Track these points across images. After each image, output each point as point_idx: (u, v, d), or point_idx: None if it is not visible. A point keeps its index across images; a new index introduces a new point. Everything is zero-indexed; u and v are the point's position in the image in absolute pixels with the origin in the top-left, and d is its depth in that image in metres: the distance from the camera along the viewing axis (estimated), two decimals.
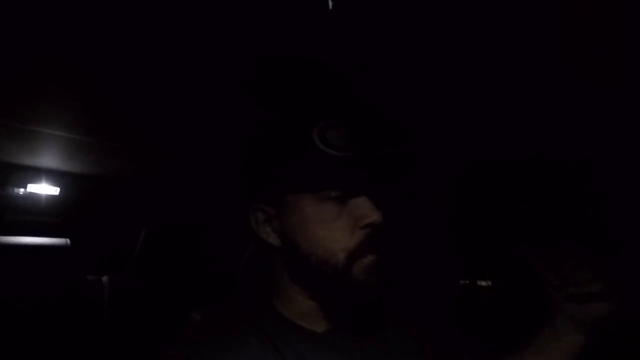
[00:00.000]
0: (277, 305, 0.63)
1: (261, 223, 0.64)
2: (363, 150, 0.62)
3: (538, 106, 0.74)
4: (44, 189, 1.70)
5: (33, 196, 1.73)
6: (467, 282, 2.31)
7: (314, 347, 0.59)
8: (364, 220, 0.58)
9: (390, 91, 0.81)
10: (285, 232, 0.61)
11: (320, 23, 0.60)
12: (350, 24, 0.59)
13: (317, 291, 0.62)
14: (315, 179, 0.59)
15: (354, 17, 0.57)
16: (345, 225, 0.59)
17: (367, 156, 0.62)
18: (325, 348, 0.59)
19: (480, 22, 0.54)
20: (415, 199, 1.35)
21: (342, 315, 0.63)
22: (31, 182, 1.65)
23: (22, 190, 1.69)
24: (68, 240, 1.89)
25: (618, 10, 0.46)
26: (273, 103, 0.92)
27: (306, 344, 0.59)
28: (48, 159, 1.48)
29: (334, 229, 0.58)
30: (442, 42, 0.59)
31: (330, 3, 0.55)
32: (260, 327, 0.60)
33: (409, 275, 0.76)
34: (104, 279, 1.90)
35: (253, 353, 0.57)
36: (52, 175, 1.63)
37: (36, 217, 1.88)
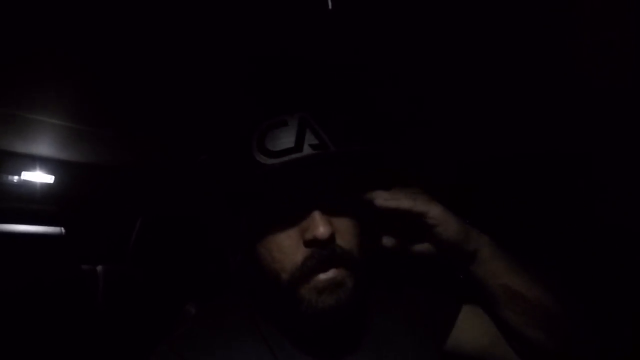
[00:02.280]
0: (267, 307, 0.61)
1: (235, 233, 0.61)
2: (314, 148, 0.53)
3: (540, 102, 0.74)
4: (39, 176, 1.68)
5: (27, 184, 1.72)
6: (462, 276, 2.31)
7: (307, 351, 0.58)
8: (306, 235, 0.51)
9: (386, 88, 0.80)
10: (247, 247, 0.58)
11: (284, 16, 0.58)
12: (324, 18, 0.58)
13: (279, 307, 0.58)
14: (254, 195, 0.53)
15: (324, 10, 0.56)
16: (286, 243, 0.52)
17: (317, 155, 0.53)
18: (318, 353, 0.58)
19: (484, 17, 0.53)
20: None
21: (311, 330, 0.59)
22: (25, 170, 1.64)
23: (16, 177, 1.67)
24: (62, 229, 1.88)
25: (625, 8, 0.45)
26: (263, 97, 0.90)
27: (298, 348, 0.58)
28: (43, 147, 1.47)
29: (275, 248, 0.52)
30: (446, 35, 0.59)
31: (330, 3, 0.54)
32: (254, 327, 0.59)
33: (401, 275, 0.72)
34: (99, 268, 1.89)
35: (247, 352, 0.56)
36: (47, 163, 1.62)
37: (30, 205, 1.86)
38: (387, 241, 0.59)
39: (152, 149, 1.50)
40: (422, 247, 0.60)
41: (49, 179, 1.71)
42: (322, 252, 0.51)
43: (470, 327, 0.63)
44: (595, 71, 0.61)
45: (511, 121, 0.86)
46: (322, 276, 0.51)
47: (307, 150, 0.53)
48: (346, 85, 0.81)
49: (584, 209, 0.94)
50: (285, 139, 0.53)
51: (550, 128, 0.84)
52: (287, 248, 0.52)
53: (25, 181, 1.69)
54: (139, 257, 1.94)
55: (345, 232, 0.54)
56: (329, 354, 0.58)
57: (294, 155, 0.52)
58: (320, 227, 0.50)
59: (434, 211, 0.56)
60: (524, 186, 1.05)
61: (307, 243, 0.51)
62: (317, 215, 0.51)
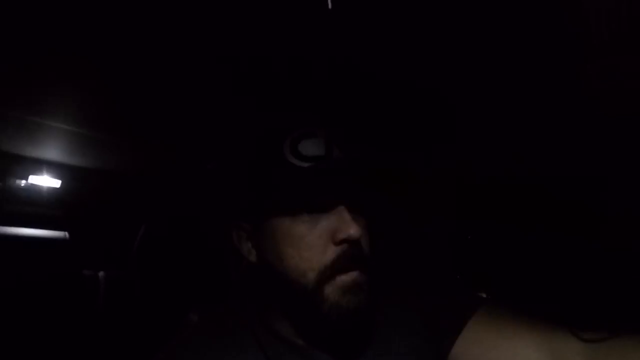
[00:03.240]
0: (268, 317, 0.61)
1: (243, 240, 0.62)
2: (341, 158, 0.57)
3: (548, 124, 0.74)
4: (46, 181, 1.70)
5: (34, 188, 1.73)
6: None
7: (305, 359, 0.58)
8: (337, 235, 0.53)
9: (390, 98, 0.81)
10: (261, 251, 0.59)
11: (307, 23, 0.59)
12: (344, 24, 0.58)
13: (293, 311, 0.59)
14: (284, 194, 0.56)
15: (347, 17, 0.57)
16: (316, 243, 0.54)
17: (345, 164, 0.57)
18: None
19: (495, 39, 0.53)
20: (411, 211, 1.34)
21: (327, 333, 0.59)
22: (33, 174, 1.65)
23: (23, 181, 1.69)
24: (67, 234, 1.89)
25: (636, 35, 0.45)
26: (274, 106, 0.91)
27: (297, 356, 0.58)
28: (51, 152, 1.48)
29: (305, 247, 0.54)
30: (457, 55, 0.59)
31: (330, 3, 0.55)
32: (253, 336, 0.59)
33: (402, 285, 0.71)
34: (100, 274, 1.90)
35: None
36: (54, 168, 1.63)
37: (36, 208, 1.88)
38: None
39: (159, 156, 1.51)
40: None
41: (56, 183, 1.72)
42: (353, 250, 0.54)
43: (478, 337, 0.60)
44: (603, 95, 0.61)
45: (520, 142, 0.86)
46: (347, 277, 0.53)
47: (336, 159, 0.57)
48: (368, 96, 0.82)
49: (590, 231, 0.93)
50: (316, 148, 0.56)
51: (556, 152, 0.84)
52: (317, 247, 0.54)
53: (32, 185, 1.71)
54: (142, 264, 1.94)
55: (364, 236, 0.56)
56: None
57: (326, 162, 0.56)
58: (353, 227, 0.52)
59: None
60: (527, 207, 1.04)
61: (338, 242, 0.53)
62: (348, 216, 0.53)
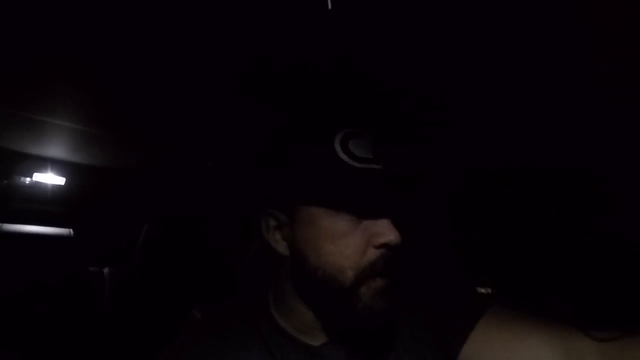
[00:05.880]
0: (276, 315, 0.61)
1: (272, 229, 0.61)
2: (388, 163, 0.58)
3: (552, 116, 0.74)
4: (50, 178, 1.71)
5: (39, 185, 1.74)
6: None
7: (310, 359, 0.58)
8: (379, 239, 0.54)
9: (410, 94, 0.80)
10: (295, 242, 0.58)
11: (352, 23, 0.59)
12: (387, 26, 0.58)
13: (321, 307, 0.59)
14: (331, 190, 0.56)
15: (394, 18, 0.56)
16: (358, 243, 0.55)
17: (392, 170, 0.58)
18: None
19: (501, 29, 0.53)
20: (420, 209, 1.33)
21: (341, 330, 0.60)
22: (37, 172, 1.66)
23: (28, 179, 1.70)
24: (71, 231, 1.90)
25: (637, 26, 0.45)
26: (283, 103, 0.91)
27: (302, 355, 0.58)
28: (55, 149, 1.49)
29: (346, 245, 0.54)
30: (465, 50, 0.59)
31: (329, 3, 0.55)
32: (258, 335, 0.59)
33: (410, 283, 0.71)
34: (105, 270, 1.91)
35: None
36: (58, 165, 1.64)
37: (41, 206, 1.89)
38: None
39: (162, 153, 1.52)
40: None
41: (60, 180, 1.73)
42: (391, 256, 0.55)
43: (488, 338, 0.60)
44: (607, 87, 0.61)
45: (525, 134, 0.86)
46: (382, 280, 0.54)
47: (382, 163, 0.58)
48: (398, 100, 0.82)
49: (590, 219, 0.93)
50: (366, 149, 0.57)
51: (561, 142, 0.84)
52: (357, 247, 0.55)
53: (37, 182, 1.72)
54: (146, 260, 1.95)
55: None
56: None
57: (374, 165, 0.57)
58: (394, 233, 0.54)
59: None
60: (526, 197, 1.04)
61: (378, 246, 0.54)
62: (389, 222, 0.55)
